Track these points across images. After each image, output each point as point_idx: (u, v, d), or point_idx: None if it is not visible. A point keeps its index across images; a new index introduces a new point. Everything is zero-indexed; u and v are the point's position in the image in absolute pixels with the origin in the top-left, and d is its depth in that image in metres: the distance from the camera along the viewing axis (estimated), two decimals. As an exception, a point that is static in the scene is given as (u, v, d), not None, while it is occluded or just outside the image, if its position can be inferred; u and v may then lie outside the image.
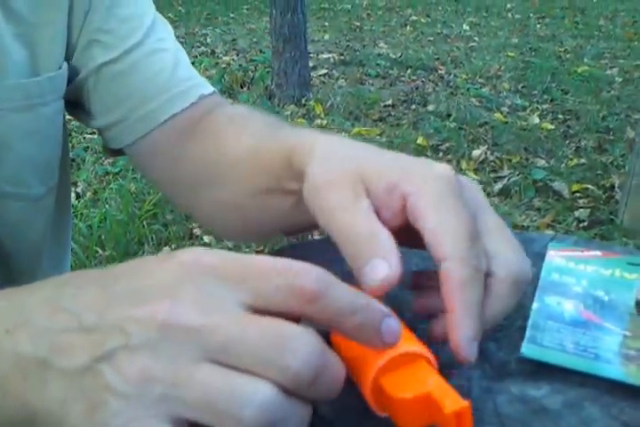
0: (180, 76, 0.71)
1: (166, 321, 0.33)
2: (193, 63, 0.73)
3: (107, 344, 0.34)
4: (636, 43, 5.84)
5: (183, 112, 0.70)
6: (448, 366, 0.43)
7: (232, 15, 7.36)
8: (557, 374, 0.43)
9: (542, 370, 0.44)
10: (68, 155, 0.78)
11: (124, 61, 0.68)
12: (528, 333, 0.46)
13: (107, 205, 2.77)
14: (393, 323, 0.36)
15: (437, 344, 0.42)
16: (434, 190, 0.45)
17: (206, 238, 2.52)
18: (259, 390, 0.32)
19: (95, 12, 0.68)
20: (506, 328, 0.49)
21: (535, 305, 0.49)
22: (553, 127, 3.69)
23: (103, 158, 3.25)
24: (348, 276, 0.54)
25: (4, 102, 0.62)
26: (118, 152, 0.73)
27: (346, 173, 0.47)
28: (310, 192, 0.48)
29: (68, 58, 0.68)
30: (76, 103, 0.72)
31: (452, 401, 0.34)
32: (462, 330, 0.41)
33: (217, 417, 0.32)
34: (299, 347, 0.33)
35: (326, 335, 0.41)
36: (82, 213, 2.66)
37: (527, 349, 0.45)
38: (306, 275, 0.34)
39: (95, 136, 3.34)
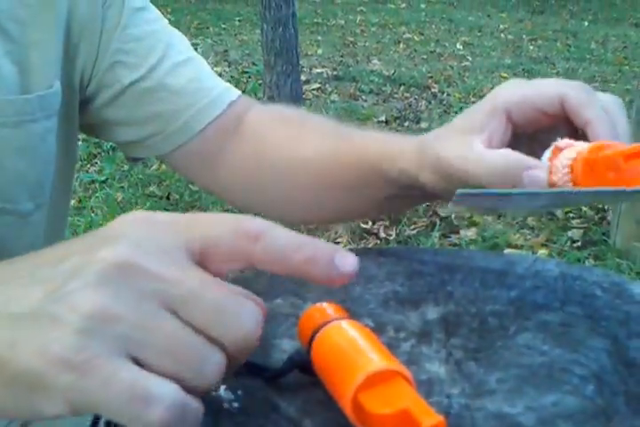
0: (207, 86, 0.75)
1: (126, 262, 0.34)
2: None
3: (62, 287, 0.34)
4: (626, 67, 5.90)
5: (216, 120, 0.74)
6: (424, 384, 0.44)
7: (224, 26, 7.36)
8: (532, 394, 0.44)
9: (519, 389, 0.44)
10: (71, 174, 0.79)
11: (151, 79, 0.72)
12: None
13: (92, 214, 2.76)
14: (346, 253, 0.38)
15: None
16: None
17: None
18: (216, 355, 0.34)
19: (111, 34, 0.71)
20: (485, 349, 0.49)
21: None
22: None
23: (88, 166, 3.24)
24: (328, 293, 0.55)
25: None
26: (139, 158, 0.78)
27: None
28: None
29: (85, 80, 0.72)
30: (95, 121, 0.75)
31: (428, 417, 0.35)
32: None
33: (176, 367, 0.33)
34: (247, 316, 0.35)
35: (307, 359, 0.41)
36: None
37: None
38: (248, 219, 0.37)
39: (80, 143, 3.34)
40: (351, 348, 0.40)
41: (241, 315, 0.35)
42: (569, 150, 0.52)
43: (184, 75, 0.74)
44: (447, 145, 0.60)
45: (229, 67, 5.53)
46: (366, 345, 0.40)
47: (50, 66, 0.67)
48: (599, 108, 0.54)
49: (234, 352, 0.35)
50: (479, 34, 7.41)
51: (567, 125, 0.57)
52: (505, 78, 5.22)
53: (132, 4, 0.72)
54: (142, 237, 0.36)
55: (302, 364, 0.43)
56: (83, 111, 0.74)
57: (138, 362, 0.33)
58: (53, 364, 0.32)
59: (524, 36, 7.31)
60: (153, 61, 0.72)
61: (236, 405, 0.42)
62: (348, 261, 0.38)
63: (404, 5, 8.97)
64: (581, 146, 0.52)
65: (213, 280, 0.36)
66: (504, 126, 0.58)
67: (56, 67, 0.68)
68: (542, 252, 2.56)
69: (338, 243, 2.60)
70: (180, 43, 0.76)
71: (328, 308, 0.45)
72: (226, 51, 6.13)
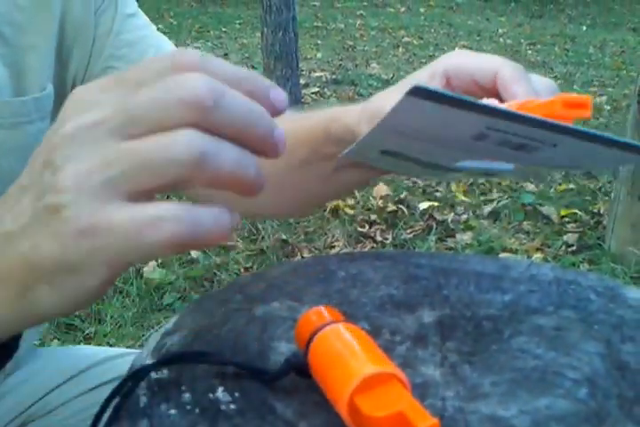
0: None
1: (71, 128, 0.37)
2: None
3: (40, 186, 0.37)
4: (624, 72, 5.91)
5: None
6: (419, 387, 0.45)
7: (224, 29, 7.38)
8: (526, 397, 0.44)
9: (512, 392, 0.45)
10: None
11: None
12: None
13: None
14: (279, 89, 0.40)
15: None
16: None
17: (193, 254, 2.52)
18: (179, 133, 0.35)
19: (103, 40, 0.72)
20: (480, 352, 0.50)
21: None
22: (542, 152, 3.72)
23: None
24: (325, 296, 0.56)
25: None
26: None
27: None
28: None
29: (77, 83, 0.73)
30: None
31: (423, 420, 0.36)
32: None
33: (159, 173, 0.35)
34: (190, 81, 0.35)
35: (304, 361, 0.42)
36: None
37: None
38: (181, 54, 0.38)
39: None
40: (347, 351, 0.41)
41: (180, 89, 0.36)
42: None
43: None
44: (386, 97, 0.61)
45: (229, 70, 5.53)
46: (362, 348, 0.41)
47: (44, 69, 0.69)
48: (529, 86, 0.55)
49: (207, 120, 0.36)
50: (478, 38, 7.43)
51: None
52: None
53: (123, 10, 0.74)
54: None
55: (299, 367, 0.43)
56: None
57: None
58: (75, 238, 0.35)
59: (522, 41, 7.33)
60: None
61: (233, 406, 0.42)
62: (280, 94, 0.39)
63: (403, 9, 9.00)
64: (509, 104, 0.53)
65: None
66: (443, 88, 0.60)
67: (49, 70, 0.70)
68: (537, 256, 2.56)
69: (334, 247, 2.61)
70: (169, 47, 0.80)
71: (325, 311, 0.45)
72: (226, 54, 6.14)
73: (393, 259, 0.66)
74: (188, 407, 0.42)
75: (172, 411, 0.42)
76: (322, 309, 0.46)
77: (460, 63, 0.60)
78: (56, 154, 0.36)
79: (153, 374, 0.45)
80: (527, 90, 0.54)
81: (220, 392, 0.44)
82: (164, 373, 0.46)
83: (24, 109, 0.67)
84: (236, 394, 0.43)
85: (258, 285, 0.60)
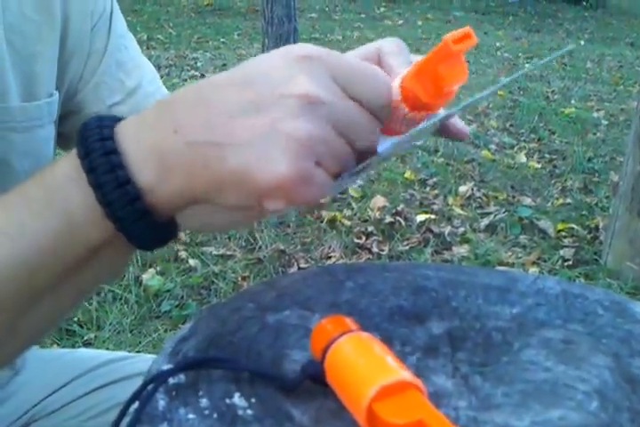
0: None
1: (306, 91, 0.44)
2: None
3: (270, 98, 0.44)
4: (621, 87, 5.93)
5: None
6: (432, 396, 0.45)
7: (223, 40, 7.39)
8: (538, 409, 0.45)
9: (524, 403, 0.45)
10: None
11: (128, 103, 0.80)
12: None
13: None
14: None
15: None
16: None
17: (192, 262, 2.53)
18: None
19: (98, 56, 0.76)
20: (491, 364, 0.50)
21: None
22: (539, 166, 3.74)
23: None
24: (335, 306, 0.56)
25: (7, 123, 0.68)
26: None
27: None
28: None
29: (70, 94, 0.76)
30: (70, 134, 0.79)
31: (442, 428, 0.36)
32: None
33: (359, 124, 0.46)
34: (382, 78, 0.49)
35: (320, 369, 0.43)
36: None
37: None
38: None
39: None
40: (366, 360, 0.41)
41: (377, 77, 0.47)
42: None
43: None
44: None
45: (227, 80, 5.54)
46: (380, 357, 0.41)
47: (50, 76, 0.73)
48: (407, 59, 0.56)
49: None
50: (475, 51, 7.45)
51: None
52: (500, 96, 5.26)
53: (117, 30, 0.79)
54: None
55: (315, 374, 0.44)
56: (62, 122, 0.78)
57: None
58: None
59: (520, 54, 7.36)
60: (130, 87, 0.79)
61: (250, 412, 0.43)
62: None
63: (400, 22, 9.03)
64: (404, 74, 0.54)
65: None
66: None
67: (52, 77, 0.73)
68: (533, 270, 2.56)
69: (330, 257, 2.61)
70: (150, 71, 0.83)
71: (341, 320, 0.46)
72: (224, 64, 6.14)
73: (400, 270, 0.66)
74: (207, 412, 0.43)
75: (191, 415, 0.42)
76: (337, 318, 0.47)
77: (359, 51, 0.60)
78: (292, 101, 0.43)
79: (170, 379, 0.46)
80: (403, 61, 0.56)
81: (237, 398, 0.44)
82: (181, 378, 0.46)
83: (38, 113, 0.71)
84: (253, 400, 0.44)
85: (269, 293, 0.60)
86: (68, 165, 0.46)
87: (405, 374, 0.40)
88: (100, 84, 0.77)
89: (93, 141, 0.46)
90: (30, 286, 0.47)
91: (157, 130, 0.46)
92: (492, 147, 4.07)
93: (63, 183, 0.46)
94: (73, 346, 2.01)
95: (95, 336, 2.08)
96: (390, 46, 0.57)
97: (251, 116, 0.43)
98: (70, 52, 0.74)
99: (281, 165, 0.43)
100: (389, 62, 0.55)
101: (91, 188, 0.45)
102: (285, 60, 0.45)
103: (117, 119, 0.48)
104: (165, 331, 2.12)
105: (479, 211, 3.13)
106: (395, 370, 0.39)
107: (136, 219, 0.45)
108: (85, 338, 2.07)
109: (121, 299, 2.26)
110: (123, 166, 0.45)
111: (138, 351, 1.98)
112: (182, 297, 2.31)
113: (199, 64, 6.15)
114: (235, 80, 0.46)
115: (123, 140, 0.46)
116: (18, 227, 0.46)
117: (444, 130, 0.57)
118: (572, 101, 5.31)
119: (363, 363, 0.41)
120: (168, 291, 2.33)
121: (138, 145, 0.46)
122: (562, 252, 2.73)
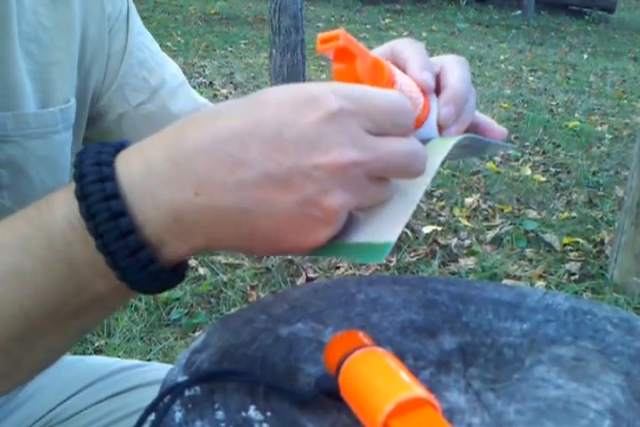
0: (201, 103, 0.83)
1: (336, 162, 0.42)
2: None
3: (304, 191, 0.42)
4: (625, 101, 5.94)
5: None
6: (445, 413, 0.45)
7: (230, 49, 7.42)
8: (549, 425, 0.45)
9: (537, 421, 0.46)
10: None
11: (154, 102, 0.80)
12: None
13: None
14: None
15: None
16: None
17: (201, 270, 2.53)
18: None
19: (118, 58, 0.78)
20: (503, 380, 0.50)
21: None
22: (544, 179, 3.74)
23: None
24: (347, 319, 0.56)
25: (23, 129, 0.69)
26: None
27: None
28: None
29: (95, 98, 0.78)
30: (99, 137, 0.81)
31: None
32: None
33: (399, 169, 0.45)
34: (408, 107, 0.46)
35: (334, 384, 0.43)
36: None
37: None
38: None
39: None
40: (381, 375, 0.41)
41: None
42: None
43: (181, 99, 0.82)
44: None
45: (235, 89, 5.57)
46: (395, 373, 0.41)
47: (67, 83, 0.73)
48: (419, 51, 0.58)
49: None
50: (480, 64, 7.47)
51: None
52: (505, 108, 5.27)
53: (134, 29, 0.79)
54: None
55: (329, 389, 0.44)
56: (90, 126, 0.80)
57: None
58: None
59: (523, 67, 7.37)
60: (154, 84, 0.80)
61: (265, 426, 0.43)
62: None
63: (405, 33, 9.05)
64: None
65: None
66: None
67: (72, 84, 0.74)
68: (540, 283, 2.56)
69: (339, 268, 2.61)
70: (171, 65, 0.84)
71: (355, 335, 0.46)
72: (232, 73, 6.17)
73: (410, 284, 0.67)
74: (223, 425, 0.43)
75: (207, 428, 0.42)
76: (351, 332, 0.47)
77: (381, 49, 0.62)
78: (324, 175, 0.42)
79: (186, 391, 0.46)
80: (414, 52, 0.58)
81: (253, 411, 0.44)
82: (197, 390, 0.46)
83: (52, 120, 0.71)
84: (268, 413, 0.44)
85: (281, 305, 0.61)
86: (67, 206, 0.44)
87: (420, 391, 0.40)
88: (123, 86, 0.78)
89: (91, 182, 0.42)
90: (30, 330, 0.45)
91: (174, 189, 0.42)
92: (498, 159, 4.07)
93: (63, 227, 0.43)
94: (84, 353, 2.01)
95: (106, 343, 2.09)
96: (402, 43, 0.59)
97: (280, 186, 0.42)
98: (91, 58, 0.76)
99: (318, 234, 0.44)
100: (402, 56, 0.58)
101: (91, 237, 0.42)
102: (317, 117, 0.42)
103: (116, 150, 0.45)
104: (175, 339, 2.13)
105: (485, 223, 3.13)
106: (410, 386, 0.40)
107: (140, 268, 0.43)
108: (96, 345, 2.08)
109: (131, 306, 2.27)
110: (125, 213, 0.42)
111: (149, 359, 1.98)
112: (192, 305, 2.32)
113: (207, 72, 6.18)
114: (258, 135, 0.42)
115: (124, 183, 0.43)
116: (16, 274, 0.44)
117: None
118: (576, 115, 5.31)
119: (378, 379, 0.41)
120: (177, 299, 2.34)
121: (152, 200, 0.42)
122: (568, 266, 2.73)
